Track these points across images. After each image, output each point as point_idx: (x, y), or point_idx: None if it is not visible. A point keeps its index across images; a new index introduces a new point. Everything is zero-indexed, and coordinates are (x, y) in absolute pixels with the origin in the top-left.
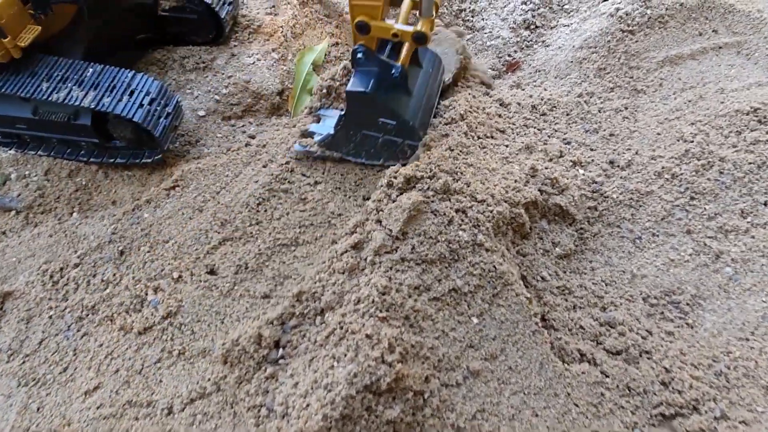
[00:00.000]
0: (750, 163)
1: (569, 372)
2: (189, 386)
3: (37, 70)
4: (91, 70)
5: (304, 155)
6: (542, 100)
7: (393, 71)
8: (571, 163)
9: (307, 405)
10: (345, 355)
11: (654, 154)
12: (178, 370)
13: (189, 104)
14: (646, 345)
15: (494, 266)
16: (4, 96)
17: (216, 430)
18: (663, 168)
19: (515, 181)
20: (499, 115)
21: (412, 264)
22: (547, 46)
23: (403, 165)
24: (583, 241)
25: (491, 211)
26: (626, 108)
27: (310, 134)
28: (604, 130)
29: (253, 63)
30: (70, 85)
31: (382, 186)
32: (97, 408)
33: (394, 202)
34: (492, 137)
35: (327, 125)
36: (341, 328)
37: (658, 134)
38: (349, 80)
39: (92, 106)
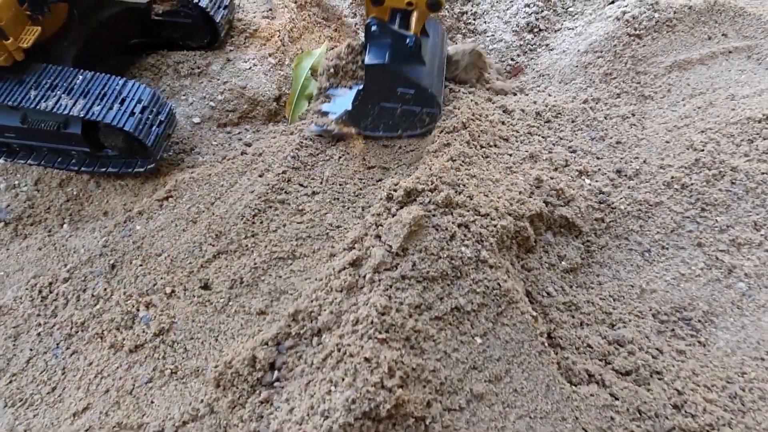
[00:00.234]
0: (763, 173)
1: (577, 394)
2: (181, 408)
3: (25, 78)
4: (81, 77)
5: (322, 134)
6: (546, 106)
7: (408, 41)
8: (576, 173)
9: None
10: (343, 380)
11: (663, 163)
12: (170, 391)
13: (183, 111)
14: (657, 365)
15: (498, 283)
16: None
17: None
18: (672, 178)
19: (519, 192)
20: (503, 123)
21: (413, 282)
22: (551, 50)
23: (422, 134)
24: (590, 254)
25: (495, 225)
26: (633, 115)
27: (324, 114)
28: (611, 138)
29: (249, 68)
30: (59, 92)
31: (381, 199)
32: (86, 430)
33: (393, 216)
34: (495, 146)
35: (339, 103)
36: (339, 350)
37: (667, 142)
38: (353, 58)
39: (81, 115)
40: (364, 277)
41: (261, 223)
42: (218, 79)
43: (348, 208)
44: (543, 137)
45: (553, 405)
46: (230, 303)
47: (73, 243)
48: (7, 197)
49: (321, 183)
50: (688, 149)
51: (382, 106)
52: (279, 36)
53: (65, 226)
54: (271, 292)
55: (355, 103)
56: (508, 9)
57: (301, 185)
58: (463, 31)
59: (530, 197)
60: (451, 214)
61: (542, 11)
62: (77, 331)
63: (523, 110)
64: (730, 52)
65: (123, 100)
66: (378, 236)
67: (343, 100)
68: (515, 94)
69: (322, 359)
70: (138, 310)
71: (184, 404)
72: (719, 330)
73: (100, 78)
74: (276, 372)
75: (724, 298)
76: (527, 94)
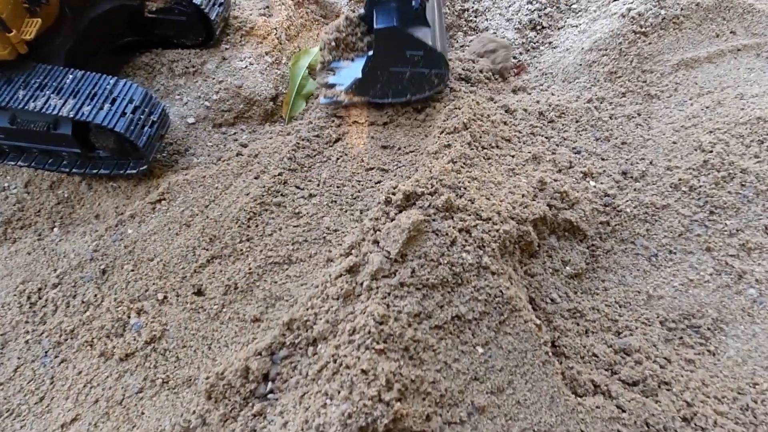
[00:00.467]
0: None
1: (582, 406)
2: (172, 419)
3: (13, 77)
4: (71, 76)
5: (332, 105)
6: (550, 105)
7: (414, 3)
8: (581, 175)
9: None
10: (339, 393)
11: (670, 164)
12: (162, 401)
13: (178, 111)
14: (665, 375)
15: (501, 291)
16: None
17: None
18: (680, 180)
19: (522, 195)
20: (505, 123)
21: (412, 289)
22: (555, 47)
23: (430, 96)
24: (595, 258)
25: (497, 230)
26: (639, 114)
27: (331, 86)
28: (616, 138)
29: (245, 67)
30: (48, 92)
31: (379, 203)
32: None
33: (392, 221)
34: (497, 147)
35: (345, 75)
36: (335, 361)
37: (674, 143)
38: (352, 30)
39: (71, 115)
40: (362, 284)
41: (256, 226)
42: (213, 79)
43: (346, 211)
44: (546, 138)
45: (558, 417)
46: (224, 309)
47: (63, 247)
48: None
49: (318, 185)
50: (695, 150)
51: (391, 71)
52: (276, 34)
53: (55, 229)
54: (266, 299)
55: (365, 69)
56: (510, 6)
57: (298, 187)
58: (464, 28)
59: (533, 200)
60: (452, 218)
61: (545, 8)
62: (66, 339)
63: (525, 110)
64: (738, 49)
65: (114, 100)
66: (376, 242)
67: (348, 71)
68: (529, 94)
69: (318, 370)
70: (129, 317)
71: (176, 416)
72: (729, 338)
73: (91, 77)
74: (270, 383)
75: (734, 305)
76: (530, 93)
